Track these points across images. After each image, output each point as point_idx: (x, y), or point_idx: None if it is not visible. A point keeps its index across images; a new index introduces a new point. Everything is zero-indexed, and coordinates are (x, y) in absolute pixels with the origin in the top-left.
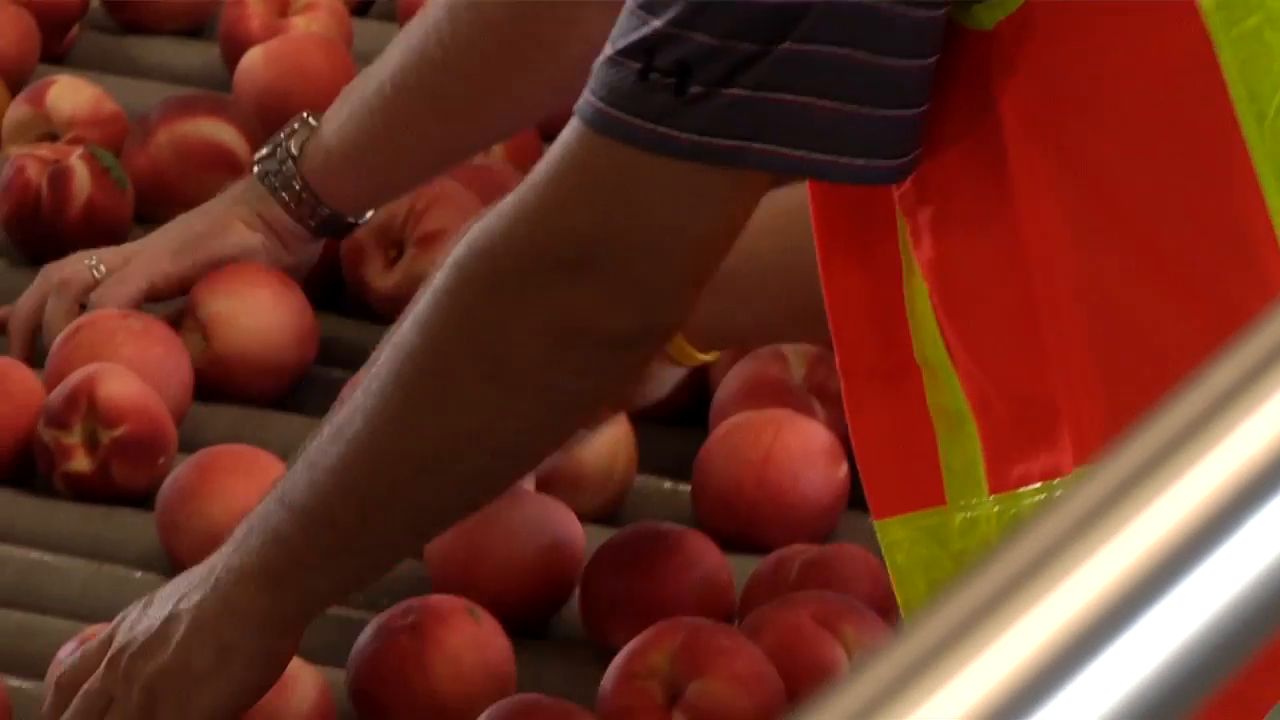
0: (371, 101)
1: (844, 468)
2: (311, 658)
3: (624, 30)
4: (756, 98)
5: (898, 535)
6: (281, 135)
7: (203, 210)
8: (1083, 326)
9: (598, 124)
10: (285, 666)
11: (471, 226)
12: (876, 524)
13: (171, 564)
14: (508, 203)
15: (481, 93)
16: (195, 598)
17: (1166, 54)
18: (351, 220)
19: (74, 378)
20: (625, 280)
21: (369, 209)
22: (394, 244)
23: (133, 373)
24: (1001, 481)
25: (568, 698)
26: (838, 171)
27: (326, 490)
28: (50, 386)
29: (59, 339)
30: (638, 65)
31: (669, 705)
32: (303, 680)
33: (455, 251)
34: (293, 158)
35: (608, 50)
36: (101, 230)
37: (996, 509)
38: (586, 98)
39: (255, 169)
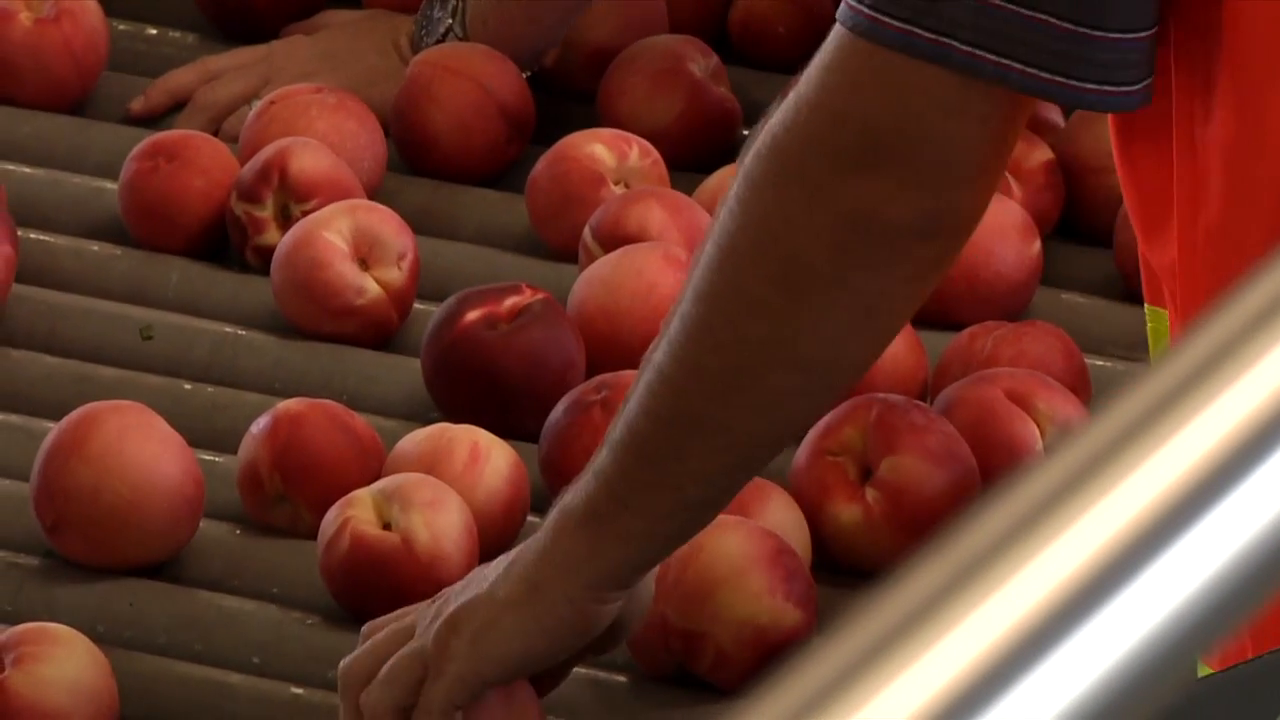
0: None
1: (1036, 244)
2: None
3: None
4: (1001, 7)
5: (1154, 322)
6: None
7: (376, 50)
8: None
9: (849, 23)
10: (591, 627)
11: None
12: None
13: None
14: (788, 103)
15: None
16: (527, 543)
17: None
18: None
19: (266, 151)
20: (910, 169)
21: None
22: None
23: (326, 146)
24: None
25: (759, 473)
26: (1068, 95)
27: (637, 418)
28: (243, 160)
29: (252, 114)
30: None
31: (861, 481)
32: (495, 454)
33: (743, 159)
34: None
35: None
36: (292, 3)
37: None
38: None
39: (422, 44)
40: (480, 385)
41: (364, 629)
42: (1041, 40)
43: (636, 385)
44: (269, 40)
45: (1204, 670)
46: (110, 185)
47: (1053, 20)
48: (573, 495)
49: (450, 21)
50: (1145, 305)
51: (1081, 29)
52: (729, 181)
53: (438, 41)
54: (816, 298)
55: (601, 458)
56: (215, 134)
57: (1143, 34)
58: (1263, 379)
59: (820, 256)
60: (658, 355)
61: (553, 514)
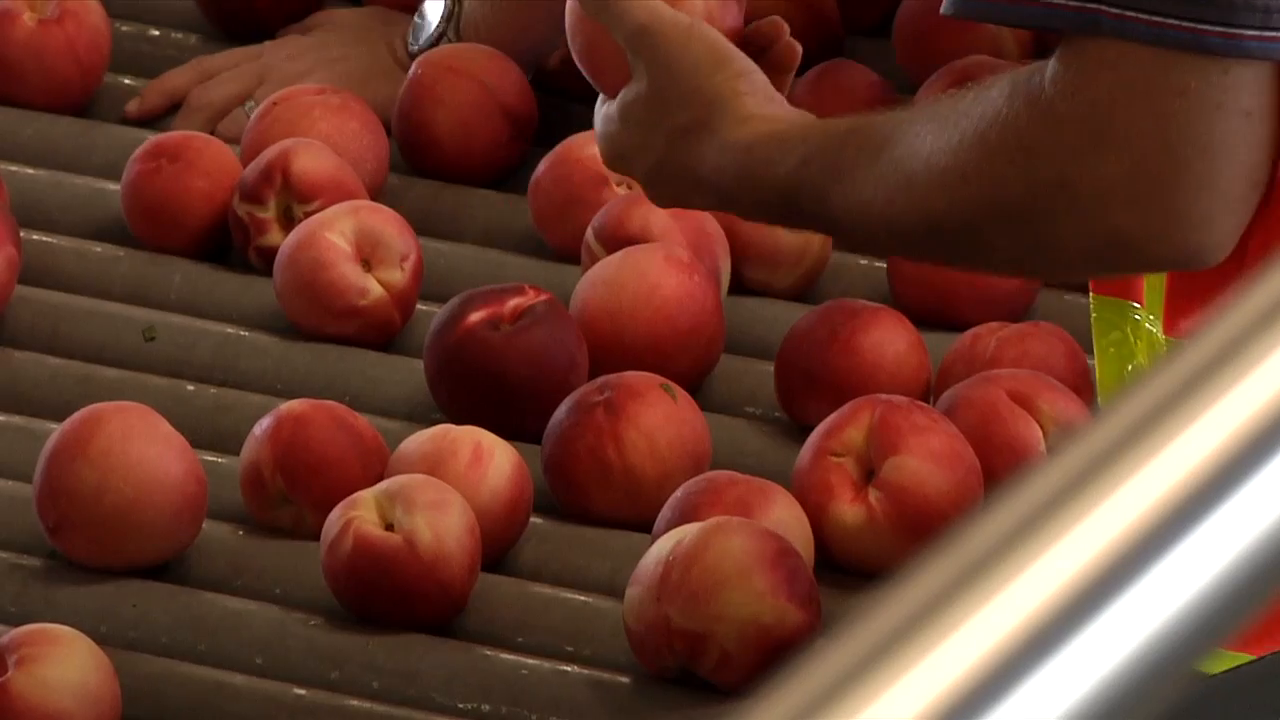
0: None
1: None
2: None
3: None
4: None
5: (1101, 311)
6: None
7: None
8: None
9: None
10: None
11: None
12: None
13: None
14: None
15: None
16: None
17: None
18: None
19: (269, 152)
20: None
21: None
22: None
23: (328, 148)
24: (1171, 325)
25: (763, 474)
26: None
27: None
28: (246, 161)
29: (255, 115)
30: None
31: (864, 482)
32: (498, 455)
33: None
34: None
35: None
36: (295, 2)
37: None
38: None
39: (413, 48)
40: (483, 386)
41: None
42: None
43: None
44: (271, 37)
45: (1223, 663)
46: (113, 186)
47: None
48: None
49: (444, 27)
50: (1091, 295)
51: None
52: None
53: (431, 46)
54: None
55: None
56: (211, 134)
57: None
58: (1264, 382)
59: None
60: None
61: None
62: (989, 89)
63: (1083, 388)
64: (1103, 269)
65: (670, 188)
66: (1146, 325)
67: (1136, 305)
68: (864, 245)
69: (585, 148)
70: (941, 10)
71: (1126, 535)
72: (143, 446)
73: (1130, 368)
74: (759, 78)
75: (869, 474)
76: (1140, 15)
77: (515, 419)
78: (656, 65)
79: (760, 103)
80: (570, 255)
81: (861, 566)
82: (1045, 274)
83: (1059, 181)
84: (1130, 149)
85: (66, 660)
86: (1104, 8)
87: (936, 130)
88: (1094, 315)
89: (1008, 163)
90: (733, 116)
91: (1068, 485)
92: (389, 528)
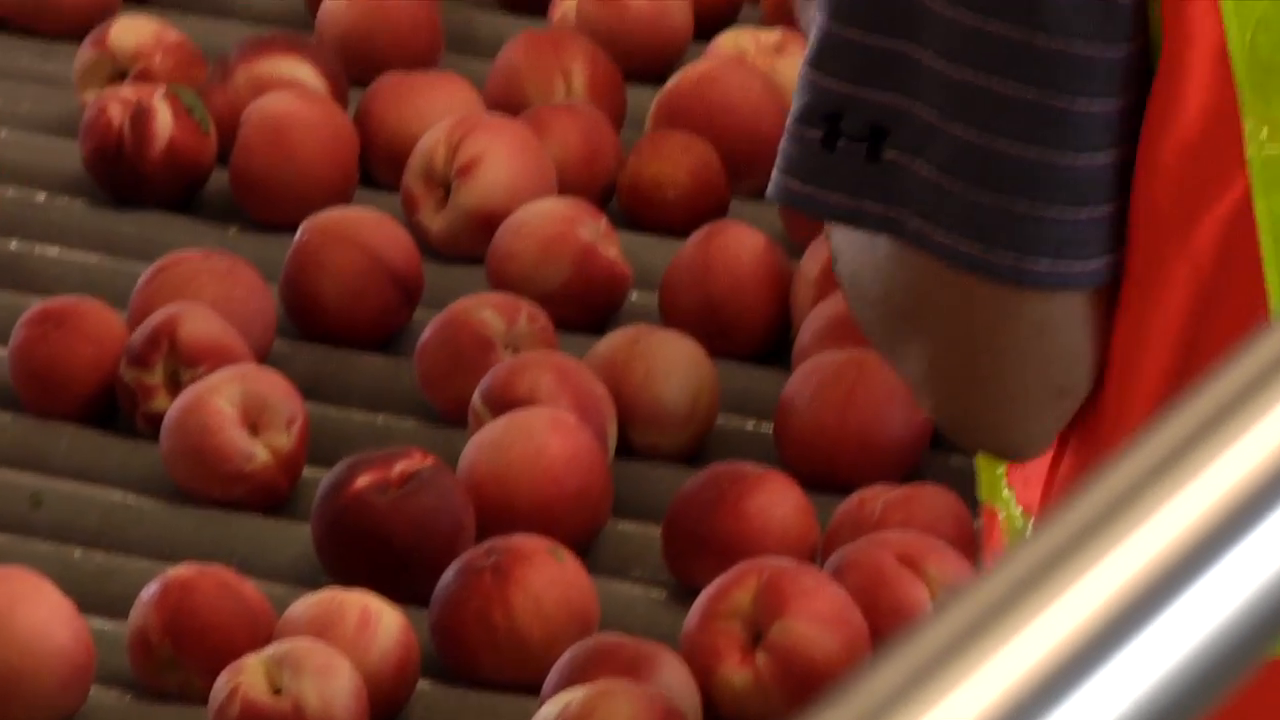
0: None
1: None
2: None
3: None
4: (933, 175)
5: (982, 473)
6: None
7: None
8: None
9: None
10: None
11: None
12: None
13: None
14: None
15: None
16: None
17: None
18: None
19: (155, 317)
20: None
21: None
22: (440, 184)
23: (214, 312)
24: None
25: (651, 637)
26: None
27: None
28: (132, 326)
29: (142, 279)
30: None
31: (752, 645)
32: (385, 619)
33: None
34: None
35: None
36: (183, 171)
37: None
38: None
39: None
40: (370, 551)
41: None
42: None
43: None
44: (159, 205)
45: None
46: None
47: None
48: None
49: None
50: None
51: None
52: (618, 344)
53: None
54: None
55: None
56: None
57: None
58: (1140, 546)
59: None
60: None
61: None
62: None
63: (970, 549)
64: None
65: None
66: (1005, 492)
67: (1002, 472)
68: None
69: (472, 311)
70: (767, 194)
71: (1010, 694)
72: (29, 612)
73: (1011, 529)
74: None
75: (757, 637)
76: (936, 232)
77: (403, 583)
78: None
79: None
80: (458, 418)
81: None
82: None
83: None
84: (925, 347)
85: None
86: (905, 216)
87: None
88: (979, 476)
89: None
90: None
91: (952, 642)
92: (277, 692)
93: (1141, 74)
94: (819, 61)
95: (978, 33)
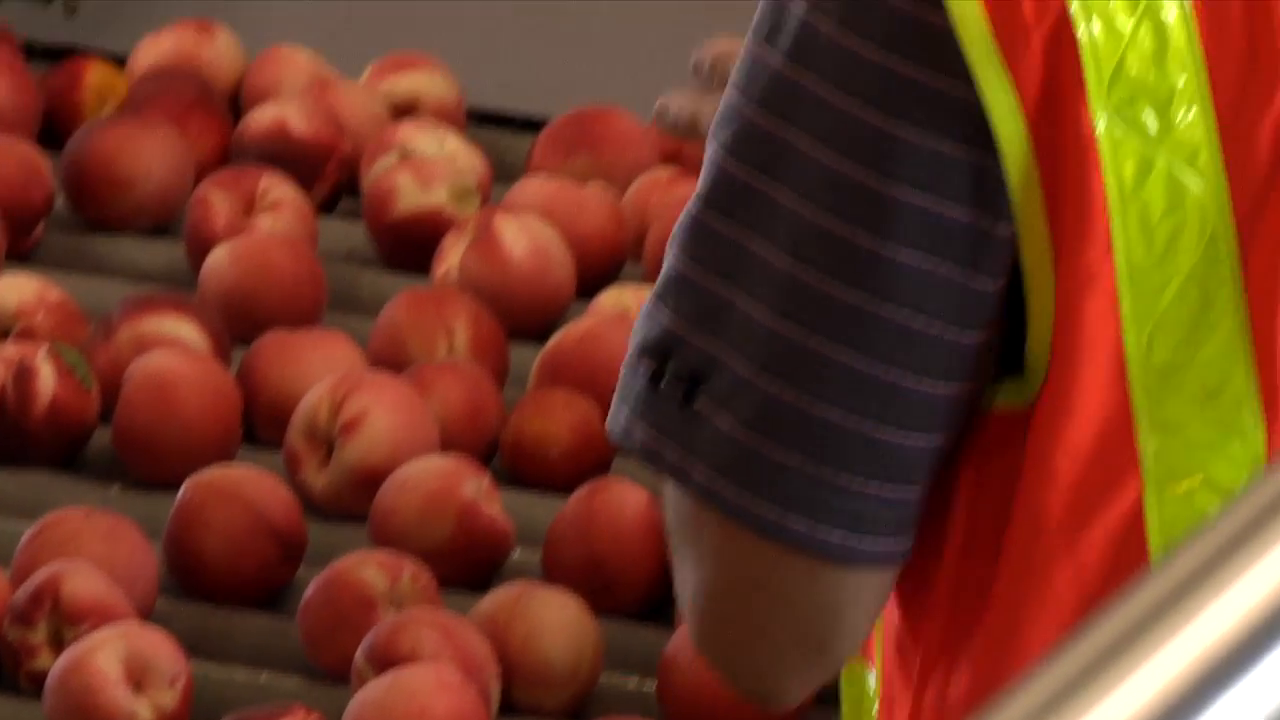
0: None
1: None
2: None
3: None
4: (742, 436)
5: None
6: None
7: None
8: None
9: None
10: None
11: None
12: None
13: None
14: None
15: None
16: None
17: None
18: None
19: (38, 575)
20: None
21: None
22: (324, 442)
23: (98, 570)
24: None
25: None
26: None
27: None
28: (15, 585)
29: (25, 538)
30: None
31: None
32: None
33: None
34: None
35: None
36: (65, 429)
37: None
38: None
39: None
40: None
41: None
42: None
43: None
44: (42, 463)
45: None
46: None
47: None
48: None
49: None
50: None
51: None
52: (500, 602)
53: None
54: None
55: None
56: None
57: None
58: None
59: None
60: None
61: None
62: None
63: None
64: None
65: None
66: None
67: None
68: None
69: (355, 569)
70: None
71: None
72: None
73: None
74: None
75: None
76: (727, 489)
77: None
78: None
79: None
80: (341, 676)
81: None
82: None
83: None
84: (683, 587)
85: None
86: (695, 469)
87: None
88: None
89: None
90: None
91: None
92: None
93: (988, 365)
94: (662, 293)
95: (819, 293)
